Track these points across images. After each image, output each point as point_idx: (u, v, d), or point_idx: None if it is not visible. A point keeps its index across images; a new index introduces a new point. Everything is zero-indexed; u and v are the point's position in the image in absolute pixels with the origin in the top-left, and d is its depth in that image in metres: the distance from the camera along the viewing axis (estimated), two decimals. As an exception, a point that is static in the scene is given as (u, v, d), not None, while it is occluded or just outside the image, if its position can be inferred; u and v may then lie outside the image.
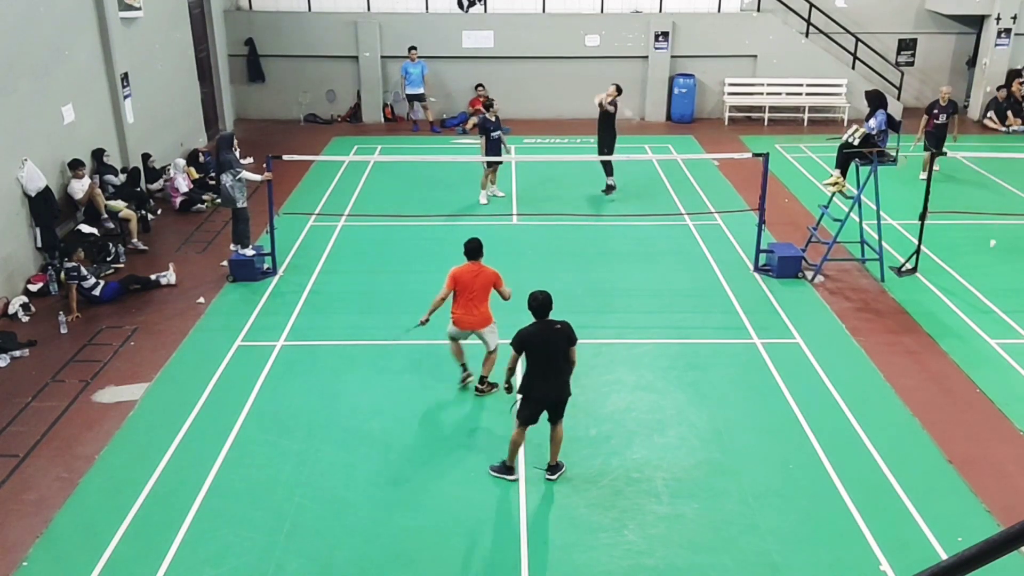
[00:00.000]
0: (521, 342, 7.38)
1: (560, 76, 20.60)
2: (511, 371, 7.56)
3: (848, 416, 8.74)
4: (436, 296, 8.85)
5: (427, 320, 8.92)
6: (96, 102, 14.09)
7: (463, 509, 7.41)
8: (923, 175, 15.23)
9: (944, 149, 13.87)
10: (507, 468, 7.79)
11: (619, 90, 15.01)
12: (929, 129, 15.80)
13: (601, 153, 15.05)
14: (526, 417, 7.59)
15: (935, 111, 15.77)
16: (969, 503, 7.52)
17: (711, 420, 8.69)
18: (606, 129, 14.89)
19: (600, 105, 14.77)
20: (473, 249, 8.80)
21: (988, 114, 20.45)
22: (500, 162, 15.29)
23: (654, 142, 19.13)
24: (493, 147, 14.90)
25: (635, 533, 7.13)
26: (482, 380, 9.14)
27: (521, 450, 7.82)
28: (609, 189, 15.35)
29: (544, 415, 7.63)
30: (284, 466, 7.99)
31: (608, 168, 15.32)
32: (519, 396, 7.72)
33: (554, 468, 7.83)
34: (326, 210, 14.66)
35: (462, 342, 9.17)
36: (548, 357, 7.37)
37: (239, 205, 12.43)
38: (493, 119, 14.88)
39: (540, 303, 7.40)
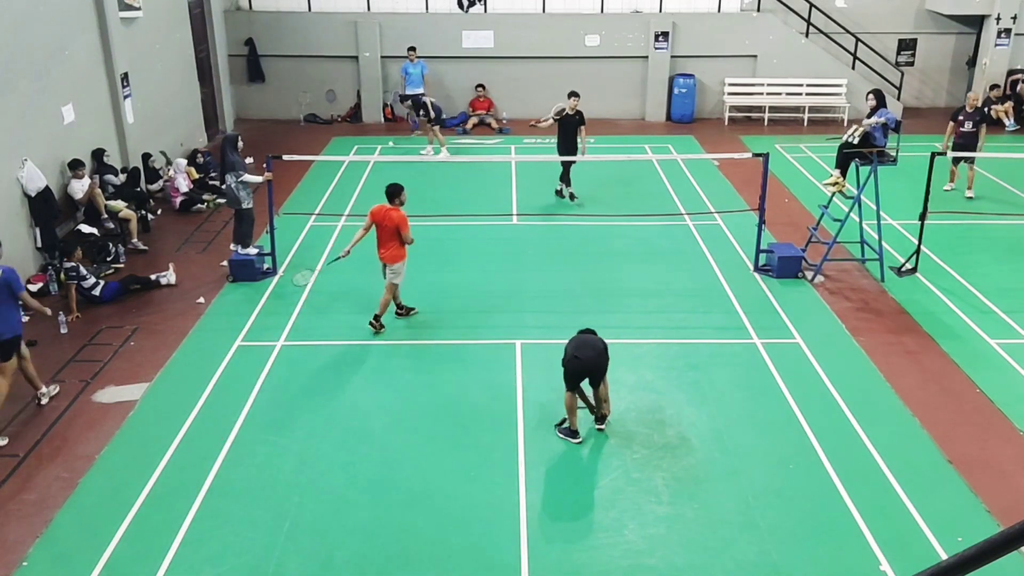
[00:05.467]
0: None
1: (560, 76, 20.54)
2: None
3: (848, 416, 8.73)
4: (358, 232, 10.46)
5: (348, 252, 10.34)
6: (96, 102, 14.10)
7: (463, 508, 7.41)
8: (949, 186, 15.43)
9: (944, 150, 13.85)
10: (571, 432, 8.37)
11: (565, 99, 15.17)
12: (957, 139, 15.16)
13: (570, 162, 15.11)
14: (568, 383, 8.29)
15: (960, 117, 15.16)
16: (969, 503, 7.52)
17: (711, 420, 8.69)
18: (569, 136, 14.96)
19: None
20: (390, 192, 10.41)
21: (988, 109, 20.39)
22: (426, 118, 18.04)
23: (654, 142, 19.14)
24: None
25: (635, 533, 7.13)
26: (376, 318, 10.39)
27: (519, 459, 7.80)
28: (571, 196, 15.18)
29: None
30: (284, 466, 7.99)
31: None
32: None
33: (601, 418, 8.50)
34: (326, 210, 14.66)
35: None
36: (583, 341, 8.21)
37: (244, 206, 12.39)
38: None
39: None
